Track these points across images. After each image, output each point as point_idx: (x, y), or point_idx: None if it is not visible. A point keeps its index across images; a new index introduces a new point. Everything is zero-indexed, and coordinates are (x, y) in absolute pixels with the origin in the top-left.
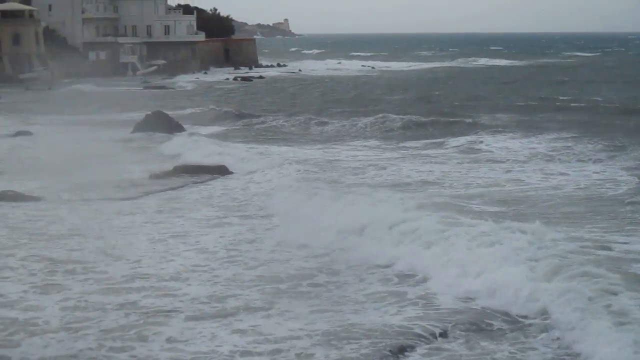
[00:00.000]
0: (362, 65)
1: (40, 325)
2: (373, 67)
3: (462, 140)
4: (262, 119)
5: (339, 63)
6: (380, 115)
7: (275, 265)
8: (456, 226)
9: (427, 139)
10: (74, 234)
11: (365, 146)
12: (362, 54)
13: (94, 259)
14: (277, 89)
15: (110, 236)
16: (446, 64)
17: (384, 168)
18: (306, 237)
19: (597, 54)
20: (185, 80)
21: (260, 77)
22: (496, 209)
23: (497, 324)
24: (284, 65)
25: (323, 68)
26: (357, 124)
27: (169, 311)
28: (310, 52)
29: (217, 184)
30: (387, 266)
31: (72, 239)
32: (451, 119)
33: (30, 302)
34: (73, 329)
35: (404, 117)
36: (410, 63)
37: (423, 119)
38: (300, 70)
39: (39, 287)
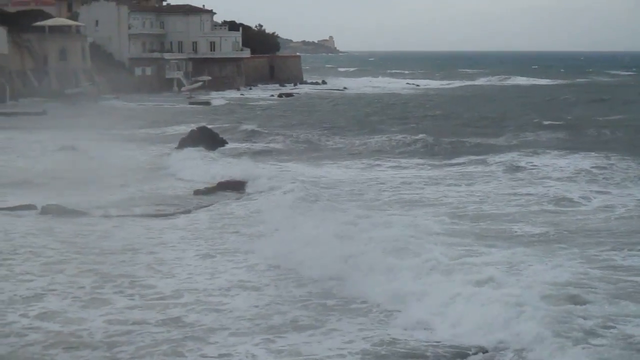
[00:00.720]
0: (407, 83)
1: (81, 338)
2: (417, 85)
3: (504, 157)
4: (304, 135)
5: (383, 80)
6: (421, 135)
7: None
8: None
9: (470, 155)
10: (125, 249)
11: (411, 164)
12: (405, 71)
13: (143, 274)
14: (320, 106)
15: (159, 251)
16: (486, 82)
17: (422, 188)
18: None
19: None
20: (229, 97)
21: (306, 93)
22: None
23: None
24: (324, 83)
25: (368, 85)
26: (396, 141)
27: (212, 328)
28: (344, 69)
29: (262, 200)
30: None
31: (124, 254)
32: (492, 138)
33: (75, 315)
34: (111, 343)
35: (447, 135)
36: (454, 81)
37: (464, 139)
38: (345, 88)
39: (85, 301)
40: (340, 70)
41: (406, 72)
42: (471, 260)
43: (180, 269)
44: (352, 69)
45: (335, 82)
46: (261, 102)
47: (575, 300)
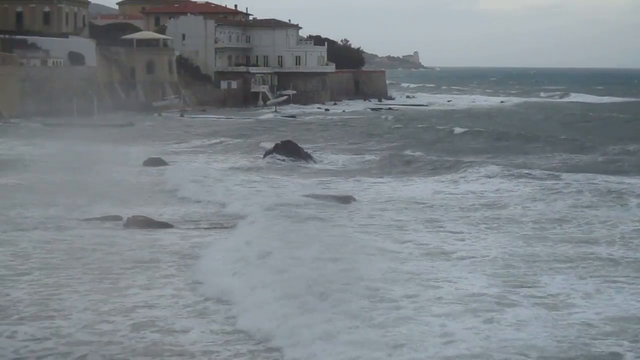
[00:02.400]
0: (502, 102)
1: (183, 347)
2: (502, 102)
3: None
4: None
5: (470, 96)
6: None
7: None
8: None
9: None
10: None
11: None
12: (488, 90)
13: None
14: (403, 121)
15: None
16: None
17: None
18: None
19: None
20: (313, 111)
21: (389, 108)
22: None
23: None
24: (413, 97)
25: (458, 102)
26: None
27: None
28: (406, 85)
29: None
30: None
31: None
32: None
33: (179, 325)
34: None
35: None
36: (537, 98)
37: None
38: (428, 104)
39: (192, 312)
40: (424, 85)
41: (495, 88)
42: None
43: None
44: (411, 85)
45: (420, 97)
46: (347, 117)
47: None
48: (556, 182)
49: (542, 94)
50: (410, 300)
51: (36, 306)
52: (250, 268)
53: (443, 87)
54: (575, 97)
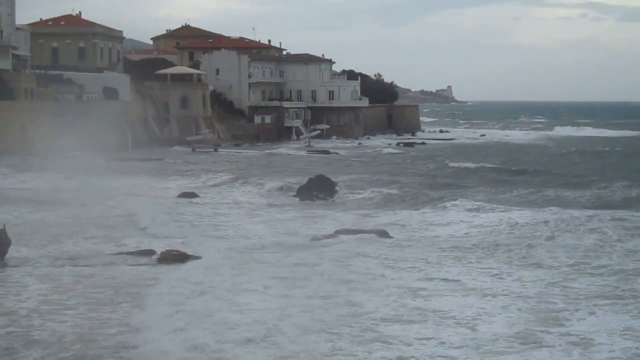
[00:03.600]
0: (524, 134)
1: None
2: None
3: None
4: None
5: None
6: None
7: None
8: None
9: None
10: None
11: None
12: (520, 124)
13: None
14: (434, 156)
15: None
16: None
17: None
18: None
19: None
20: (347, 145)
21: (423, 143)
22: None
23: None
24: (446, 132)
25: (491, 136)
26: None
27: None
28: (430, 119)
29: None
30: None
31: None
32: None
33: None
34: None
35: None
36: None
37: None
38: (458, 138)
39: None
40: (456, 121)
41: (538, 120)
42: None
43: None
44: (465, 120)
45: (453, 132)
46: (380, 151)
47: None
48: (575, 216)
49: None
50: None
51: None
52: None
53: (476, 122)
54: (593, 131)
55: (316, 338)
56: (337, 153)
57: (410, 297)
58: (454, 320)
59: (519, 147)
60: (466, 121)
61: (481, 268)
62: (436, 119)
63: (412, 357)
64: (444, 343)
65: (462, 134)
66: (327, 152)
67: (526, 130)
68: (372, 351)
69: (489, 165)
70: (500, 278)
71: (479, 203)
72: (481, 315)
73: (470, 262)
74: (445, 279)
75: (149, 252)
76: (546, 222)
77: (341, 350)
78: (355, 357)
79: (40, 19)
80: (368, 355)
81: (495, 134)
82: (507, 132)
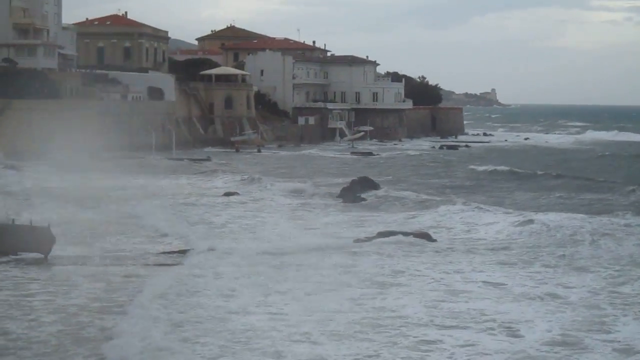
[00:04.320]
0: (564, 138)
1: None
2: (576, 139)
3: None
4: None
5: (546, 134)
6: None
7: None
8: None
9: None
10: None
11: None
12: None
13: None
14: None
15: None
16: None
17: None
18: None
19: None
20: (389, 147)
21: (467, 146)
22: None
23: None
24: (491, 135)
25: (536, 140)
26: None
27: None
28: (473, 122)
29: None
30: None
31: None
32: None
33: None
34: None
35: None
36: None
37: None
38: (506, 140)
39: None
40: (498, 124)
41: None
42: None
43: None
44: (509, 122)
45: (497, 135)
46: (422, 154)
47: None
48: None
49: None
50: None
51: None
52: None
53: (518, 125)
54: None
55: (352, 343)
56: (380, 155)
57: (451, 300)
58: (496, 324)
59: (561, 152)
60: (509, 124)
61: (525, 272)
62: (479, 122)
63: None
64: (484, 349)
65: (505, 137)
66: (370, 153)
67: (566, 134)
68: (410, 357)
69: (529, 171)
70: (544, 282)
71: (520, 206)
72: (524, 320)
73: (514, 266)
74: (488, 282)
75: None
76: (586, 226)
77: (376, 356)
78: None
79: (87, 18)
80: None
81: (537, 137)
82: (549, 135)
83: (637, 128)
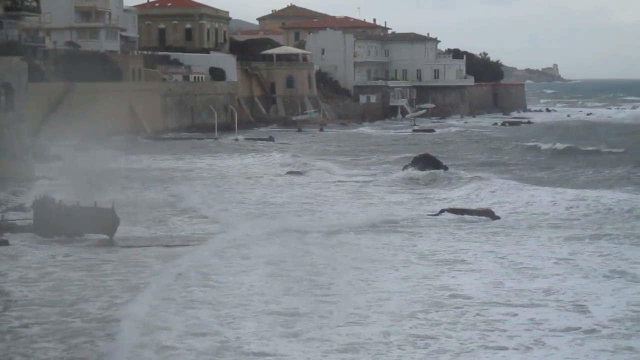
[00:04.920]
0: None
1: None
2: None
3: None
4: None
5: (611, 109)
6: None
7: None
8: None
9: None
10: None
11: None
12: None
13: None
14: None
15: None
16: None
17: None
18: None
19: None
20: (452, 124)
21: (529, 122)
22: None
23: None
24: (554, 111)
25: (601, 114)
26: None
27: None
28: (567, 98)
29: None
30: None
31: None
32: None
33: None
34: None
35: None
36: None
37: None
38: (569, 116)
39: None
40: (563, 99)
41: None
42: None
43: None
44: (572, 98)
45: (560, 111)
46: (485, 132)
47: None
48: None
49: None
50: None
51: None
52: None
53: (583, 100)
54: None
55: (412, 322)
56: (442, 131)
57: (516, 278)
58: (564, 302)
59: (623, 127)
60: (572, 99)
61: (590, 248)
62: (537, 98)
63: (517, 343)
64: (552, 325)
65: (568, 112)
66: (432, 130)
67: (630, 108)
68: (471, 338)
69: (591, 147)
70: (609, 258)
71: (582, 184)
72: (591, 297)
73: (580, 241)
74: (555, 259)
75: None
76: None
77: (434, 337)
78: (451, 340)
79: (148, 0)
80: (464, 343)
81: (599, 112)
82: (611, 110)
83: None
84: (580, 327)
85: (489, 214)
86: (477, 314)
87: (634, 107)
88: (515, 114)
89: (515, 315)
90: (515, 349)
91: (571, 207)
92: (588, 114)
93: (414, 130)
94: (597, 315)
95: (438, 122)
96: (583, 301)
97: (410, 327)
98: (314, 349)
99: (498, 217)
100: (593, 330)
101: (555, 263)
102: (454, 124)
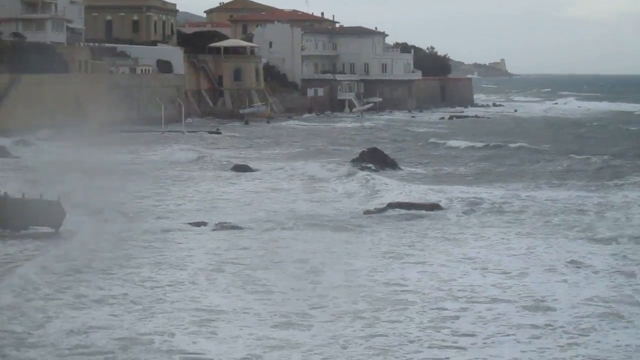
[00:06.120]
0: (578, 107)
1: None
2: (589, 109)
3: None
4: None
5: (555, 104)
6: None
7: None
8: None
9: None
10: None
11: None
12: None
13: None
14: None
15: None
16: None
17: None
18: None
19: None
20: (399, 118)
21: (476, 116)
22: None
23: None
24: (500, 105)
25: (538, 109)
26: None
27: None
28: (515, 92)
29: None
30: None
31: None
32: None
33: None
34: None
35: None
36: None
37: None
38: (516, 111)
39: None
40: (512, 93)
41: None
42: None
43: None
44: (522, 92)
45: (508, 105)
46: (431, 125)
47: None
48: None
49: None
50: None
51: None
52: None
53: (530, 94)
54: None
55: (358, 320)
56: (388, 125)
57: (467, 272)
58: (518, 297)
59: (553, 122)
60: (518, 93)
61: (545, 243)
62: (507, 92)
63: (469, 339)
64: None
65: (517, 107)
66: (377, 125)
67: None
68: (419, 336)
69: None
70: (560, 252)
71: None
72: (546, 292)
73: (532, 236)
74: (508, 254)
75: (202, 224)
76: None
77: (384, 335)
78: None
79: None
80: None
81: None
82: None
83: (630, 98)
84: (535, 323)
85: (435, 207)
86: (428, 309)
87: (555, 103)
88: (463, 108)
89: (466, 310)
90: (468, 345)
91: (508, 202)
92: (545, 111)
93: (361, 124)
94: (552, 309)
95: (385, 115)
96: (538, 296)
97: (357, 325)
98: (242, 347)
99: (443, 209)
100: (548, 325)
101: (508, 257)
102: (401, 119)
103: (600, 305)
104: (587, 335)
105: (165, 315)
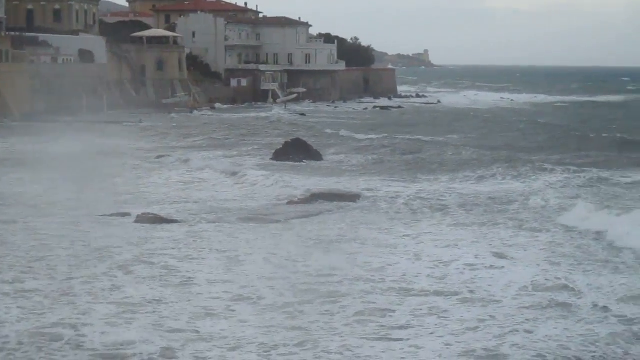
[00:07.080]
0: (501, 98)
1: None
2: (512, 100)
3: None
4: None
5: (476, 95)
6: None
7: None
8: None
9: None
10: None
11: None
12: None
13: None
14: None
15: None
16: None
17: None
18: None
19: None
20: (322, 109)
21: (399, 107)
22: None
23: None
24: (423, 96)
25: (462, 100)
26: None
27: None
28: (438, 82)
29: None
30: None
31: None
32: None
33: None
34: None
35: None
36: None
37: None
38: (439, 102)
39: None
40: (434, 84)
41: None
42: None
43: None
44: (444, 82)
45: (431, 96)
46: (355, 115)
47: None
48: None
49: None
50: None
51: None
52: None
53: (454, 85)
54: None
55: (278, 315)
56: (312, 116)
57: (399, 263)
58: (450, 289)
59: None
60: (441, 84)
61: (474, 234)
62: (430, 82)
63: (404, 333)
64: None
65: (439, 98)
66: (303, 115)
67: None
68: (353, 330)
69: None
70: (491, 244)
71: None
72: (479, 283)
73: (463, 227)
74: (440, 245)
75: (125, 215)
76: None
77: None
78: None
79: None
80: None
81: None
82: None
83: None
84: (466, 315)
85: (359, 198)
86: (360, 303)
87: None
88: (386, 99)
89: (399, 302)
90: (401, 339)
91: (445, 195)
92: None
93: (285, 114)
94: (485, 300)
95: (309, 106)
96: (474, 287)
97: (282, 317)
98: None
99: (361, 199)
100: (482, 320)
101: (441, 248)
102: (325, 109)
103: (535, 295)
104: (523, 324)
105: (77, 307)
